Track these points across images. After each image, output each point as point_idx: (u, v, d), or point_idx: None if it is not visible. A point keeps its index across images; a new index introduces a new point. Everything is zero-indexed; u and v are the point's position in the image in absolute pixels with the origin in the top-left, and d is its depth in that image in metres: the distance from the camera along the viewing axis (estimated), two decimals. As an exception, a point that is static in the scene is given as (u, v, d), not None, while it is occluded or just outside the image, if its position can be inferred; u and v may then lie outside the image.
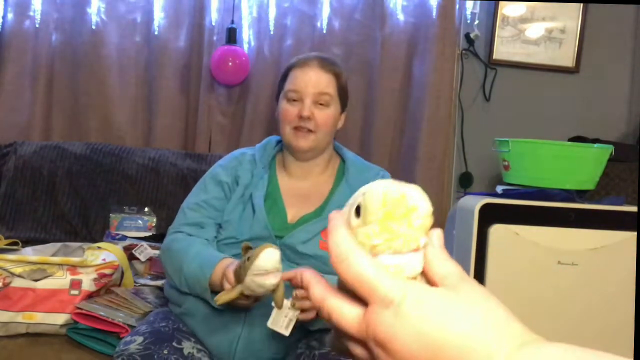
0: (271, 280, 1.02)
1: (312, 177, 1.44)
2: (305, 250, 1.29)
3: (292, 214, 1.37)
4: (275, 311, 1.09)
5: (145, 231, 1.99)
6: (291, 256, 1.30)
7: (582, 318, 1.87)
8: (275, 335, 1.12)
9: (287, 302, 1.09)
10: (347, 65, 2.31)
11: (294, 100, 1.38)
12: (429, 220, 0.38)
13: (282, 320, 1.10)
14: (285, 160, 1.46)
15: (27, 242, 1.80)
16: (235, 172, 1.41)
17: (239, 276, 1.06)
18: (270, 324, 1.10)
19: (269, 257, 1.01)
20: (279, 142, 1.49)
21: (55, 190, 1.99)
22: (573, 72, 2.52)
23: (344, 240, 0.37)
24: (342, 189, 1.38)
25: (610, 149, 1.97)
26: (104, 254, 1.54)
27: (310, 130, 1.37)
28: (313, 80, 1.36)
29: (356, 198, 0.39)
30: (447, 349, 0.33)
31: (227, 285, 1.09)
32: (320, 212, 1.35)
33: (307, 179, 1.44)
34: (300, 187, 1.42)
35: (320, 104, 1.37)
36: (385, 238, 0.37)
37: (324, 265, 1.29)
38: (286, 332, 1.09)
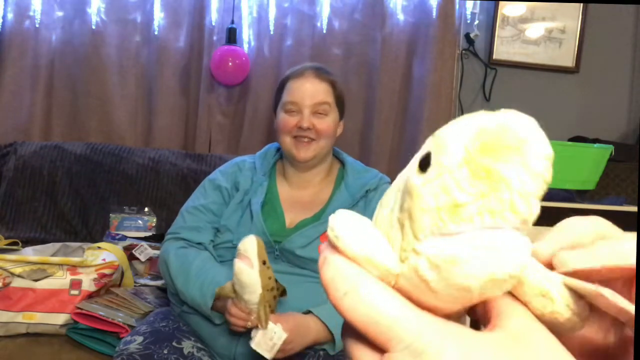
0: (240, 264, 1.06)
1: (312, 186, 1.44)
2: (304, 254, 1.29)
3: (291, 218, 1.37)
4: (260, 332, 1.09)
5: (145, 231, 1.98)
6: (291, 260, 1.31)
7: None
8: None
9: (274, 326, 1.09)
10: (347, 65, 2.31)
11: (293, 112, 1.37)
12: (550, 169, 0.23)
13: (265, 343, 1.08)
14: (285, 170, 1.46)
15: (27, 242, 1.80)
16: (234, 177, 1.41)
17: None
18: (254, 344, 1.09)
19: (244, 240, 1.07)
20: (279, 149, 1.48)
21: (55, 190, 1.98)
22: (573, 72, 2.52)
23: (345, 265, 0.25)
24: (341, 194, 1.38)
25: (610, 149, 1.97)
26: (104, 254, 1.54)
27: (311, 139, 1.36)
28: (310, 91, 1.36)
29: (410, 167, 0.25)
30: None
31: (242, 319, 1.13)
32: (319, 217, 1.35)
33: (306, 188, 1.43)
34: (299, 196, 1.42)
35: (319, 113, 1.37)
36: (481, 191, 0.22)
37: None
38: (269, 356, 1.08)
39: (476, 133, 0.23)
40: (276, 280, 1.13)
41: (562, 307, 0.25)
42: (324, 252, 0.26)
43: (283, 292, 1.16)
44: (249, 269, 1.06)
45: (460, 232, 0.22)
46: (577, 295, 0.25)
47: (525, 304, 0.25)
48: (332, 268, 0.25)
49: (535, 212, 0.23)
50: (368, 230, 0.26)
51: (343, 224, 0.26)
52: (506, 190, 0.22)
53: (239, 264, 1.07)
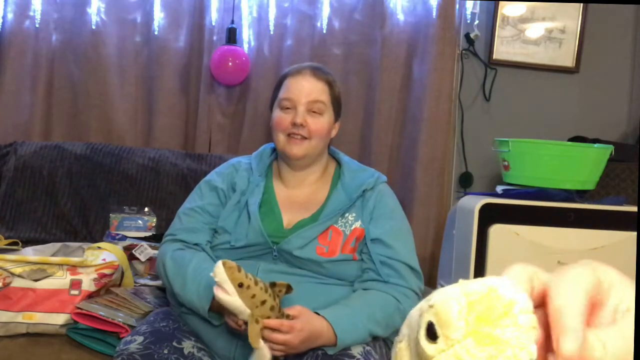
0: (218, 294, 1.06)
1: (307, 186, 1.44)
2: (302, 255, 1.29)
3: (288, 219, 1.37)
4: (255, 351, 1.09)
5: (145, 231, 1.98)
6: (289, 260, 1.31)
7: (582, 318, 1.87)
8: None
9: (264, 346, 1.09)
10: (347, 65, 2.31)
11: (288, 109, 1.37)
12: (535, 319, 0.28)
13: None
14: (280, 170, 1.46)
15: (27, 242, 1.80)
16: (231, 178, 1.41)
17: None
18: None
19: (214, 269, 1.06)
20: (275, 149, 1.48)
21: (55, 190, 1.98)
22: (573, 72, 2.52)
23: None
24: (338, 194, 1.38)
25: (610, 149, 1.97)
26: (104, 254, 1.54)
27: (303, 138, 1.36)
28: (306, 89, 1.36)
29: (413, 322, 0.29)
30: None
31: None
32: (317, 218, 1.35)
33: (302, 188, 1.43)
34: (296, 196, 1.42)
35: (314, 112, 1.37)
36: (489, 354, 0.27)
37: (321, 269, 1.29)
38: None
39: (469, 306, 0.27)
40: (273, 285, 1.12)
41: None
42: None
43: (288, 289, 1.15)
44: (228, 296, 1.06)
45: None
46: None
47: None
48: None
49: (534, 355, 0.27)
50: None
51: None
52: (509, 348, 0.26)
53: (217, 294, 1.07)
